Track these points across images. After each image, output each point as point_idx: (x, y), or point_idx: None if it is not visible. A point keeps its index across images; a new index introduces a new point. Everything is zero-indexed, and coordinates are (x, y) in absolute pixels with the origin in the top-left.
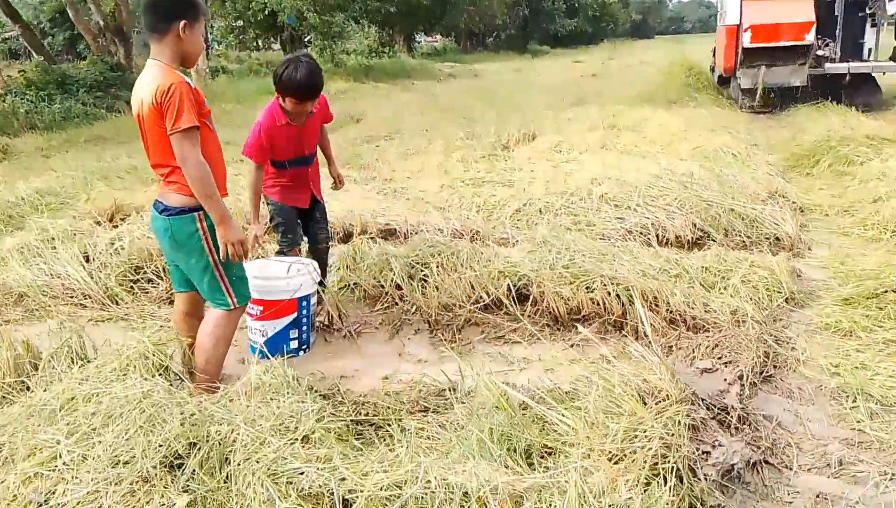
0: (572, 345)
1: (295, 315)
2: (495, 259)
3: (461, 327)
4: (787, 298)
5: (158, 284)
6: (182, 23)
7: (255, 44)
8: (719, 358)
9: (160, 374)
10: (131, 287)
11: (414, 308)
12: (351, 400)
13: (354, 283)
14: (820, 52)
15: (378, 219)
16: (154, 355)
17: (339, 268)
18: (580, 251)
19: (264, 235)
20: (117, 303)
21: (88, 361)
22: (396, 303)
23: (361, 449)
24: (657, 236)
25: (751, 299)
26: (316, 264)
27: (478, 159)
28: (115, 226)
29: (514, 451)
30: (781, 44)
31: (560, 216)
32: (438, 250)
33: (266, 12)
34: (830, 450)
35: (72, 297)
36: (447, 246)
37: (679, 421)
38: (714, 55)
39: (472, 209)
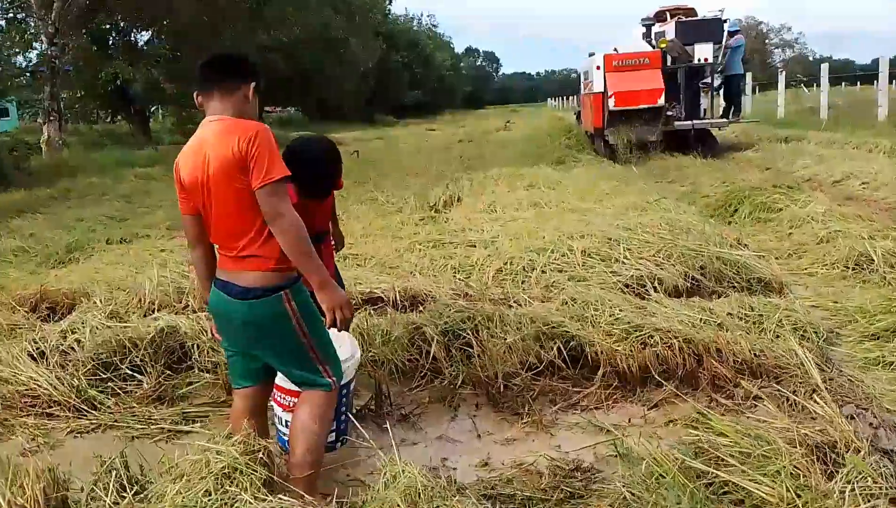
0: (655, 406)
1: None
2: (529, 321)
3: (523, 397)
4: (824, 338)
5: (140, 381)
6: (253, 84)
7: (95, 115)
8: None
9: (268, 493)
10: (107, 387)
11: (459, 381)
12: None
13: (386, 359)
14: (669, 113)
15: (357, 287)
16: (246, 467)
17: (362, 344)
18: (614, 305)
19: None
20: (97, 409)
21: (143, 487)
22: (437, 378)
23: None
24: (654, 288)
25: (800, 341)
26: (355, 342)
27: (417, 222)
28: (46, 318)
29: None
30: (640, 107)
31: (548, 273)
32: (468, 316)
33: (117, 83)
34: None
35: (33, 406)
36: (476, 311)
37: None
38: (578, 118)
39: (448, 271)
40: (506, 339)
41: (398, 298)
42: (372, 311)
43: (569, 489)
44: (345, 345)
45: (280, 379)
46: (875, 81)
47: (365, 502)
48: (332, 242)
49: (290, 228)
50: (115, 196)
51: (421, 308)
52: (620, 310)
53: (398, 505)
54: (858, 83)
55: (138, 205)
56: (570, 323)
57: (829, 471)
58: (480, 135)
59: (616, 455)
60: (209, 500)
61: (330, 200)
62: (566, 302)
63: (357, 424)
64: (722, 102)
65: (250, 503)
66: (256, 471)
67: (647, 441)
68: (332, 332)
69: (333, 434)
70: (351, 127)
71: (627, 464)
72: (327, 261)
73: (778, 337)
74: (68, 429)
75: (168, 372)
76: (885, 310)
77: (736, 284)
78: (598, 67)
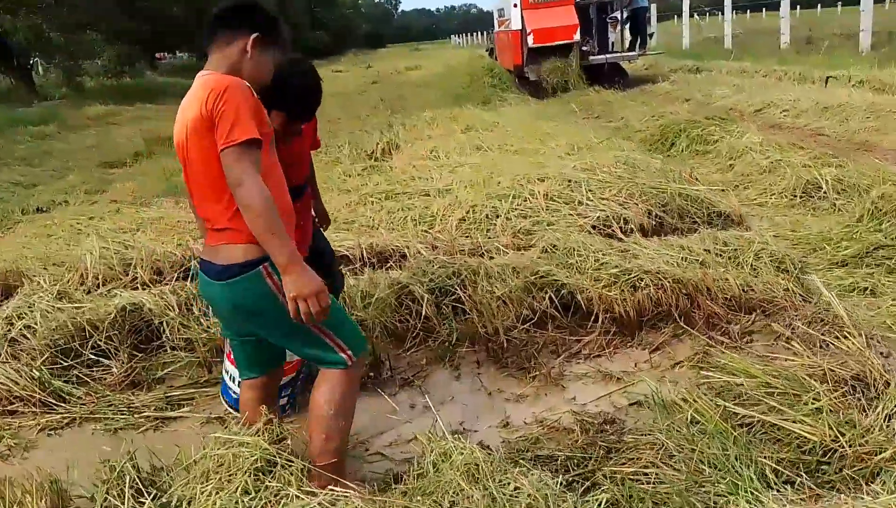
0: (656, 349)
1: (294, 375)
2: (513, 271)
3: (526, 350)
4: (801, 269)
5: (107, 366)
6: (253, 36)
7: None
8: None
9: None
10: (72, 376)
11: (454, 339)
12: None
13: (374, 322)
14: (584, 48)
15: None
16: (279, 457)
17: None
18: (597, 250)
19: None
20: (66, 401)
21: (161, 490)
22: (430, 337)
23: None
24: (620, 229)
25: (779, 273)
26: None
27: (360, 172)
28: None
29: (778, 475)
30: (557, 43)
31: (513, 220)
32: (453, 271)
33: None
34: None
35: None
36: (461, 265)
37: None
38: (492, 55)
39: (409, 223)
40: (495, 293)
41: (365, 255)
42: (345, 272)
43: (605, 444)
44: None
45: None
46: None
47: (421, 485)
48: (315, 215)
49: (253, 199)
50: (14, 160)
51: (391, 264)
52: (604, 255)
53: (460, 486)
54: (764, 10)
55: (43, 168)
56: (558, 272)
57: (861, 405)
58: (392, 75)
59: (635, 404)
60: (250, 500)
61: (301, 150)
62: (546, 250)
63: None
64: (628, 35)
65: (299, 497)
66: (293, 462)
67: (668, 385)
68: None
69: (286, 399)
70: None
71: (661, 413)
72: (305, 220)
73: (756, 270)
74: (38, 427)
75: (138, 353)
76: (848, 237)
77: (698, 219)
78: (514, 5)
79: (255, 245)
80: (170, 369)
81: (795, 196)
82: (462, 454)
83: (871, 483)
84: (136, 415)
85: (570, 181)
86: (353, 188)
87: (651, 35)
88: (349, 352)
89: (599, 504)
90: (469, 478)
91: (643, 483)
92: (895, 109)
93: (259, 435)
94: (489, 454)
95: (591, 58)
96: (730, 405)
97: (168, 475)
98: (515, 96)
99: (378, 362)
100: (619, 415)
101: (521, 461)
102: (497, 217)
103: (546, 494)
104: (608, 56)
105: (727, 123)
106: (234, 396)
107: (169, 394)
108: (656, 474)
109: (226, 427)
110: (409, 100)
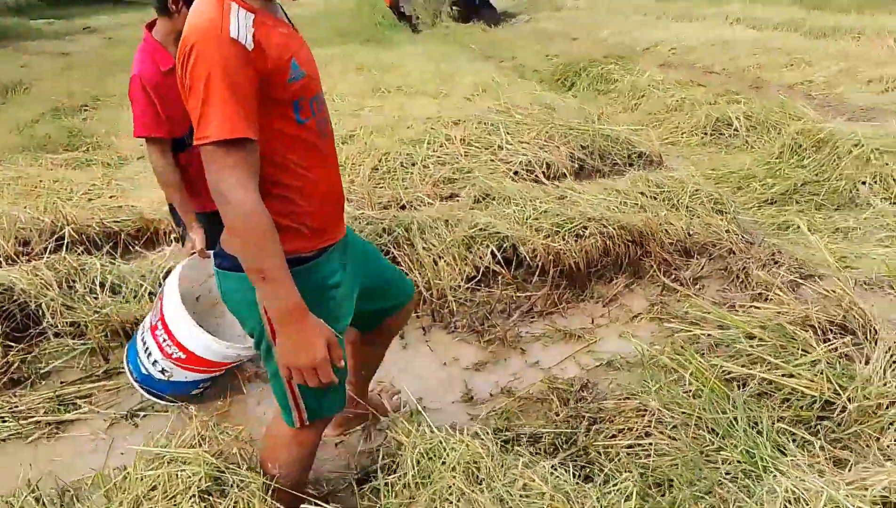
0: (611, 301)
1: (220, 373)
2: (447, 226)
3: (476, 312)
4: (734, 209)
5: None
6: None
7: None
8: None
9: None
10: None
11: None
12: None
13: None
14: None
15: None
16: (232, 473)
17: None
18: (533, 197)
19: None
20: None
21: None
22: None
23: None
24: (543, 173)
25: (717, 215)
26: None
27: None
28: None
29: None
30: None
31: (431, 168)
32: (383, 227)
33: None
34: None
35: None
36: (390, 221)
37: None
38: None
39: None
40: (433, 250)
41: None
42: None
43: (590, 414)
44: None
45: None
46: None
47: (413, 495)
48: None
49: (237, 220)
50: None
51: None
52: (542, 203)
53: (461, 490)
54: None
55: None
56: (496, 223)
57: (852, 354)
58: None
59: (603, 364)
60: None
61: None
62: (479, 200)
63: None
64: None
65: None
66: (249, 479)
67: (633, 341)
68: None
69: (200, 391)
70: (100, 8)
71: (648, 373)
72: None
73: (692, 212)
74: None
75: (14, 345)
76: (773, 175)
77: (619, 161)
78: None
79: None
80: (58, 361)
81: (706, 133)
82: (455, 449)
83: (881, 438)
84: (21, 421)
85: (486, 124)
86: None
87: None
88: (304, 416)
89: (625, 496)
90: (470, 479)
91: (642, 458)
92: (778, 45)
93: (200, 446)
94: (484, 444)
95: None
96: (726, 363)
97: (81, 504)
98: (406, 36)
99: None
100: (591, 378)
101: (516, 447)
102: (413, 165)
103: (567, 491)
104: None
105: (626, 62)
106: (144, 373)
107: (60, 392)
108: (655, 445)
109: (155, 441)
110: None
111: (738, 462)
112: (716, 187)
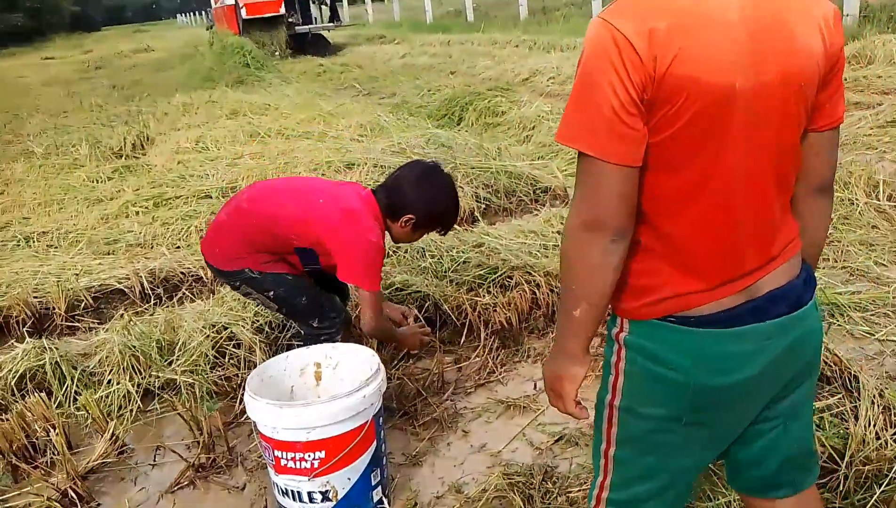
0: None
1: (374, 444)
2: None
3: (404, 388)
4: None
5: None
6: None
7: None
8: None
9: None
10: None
11: None
12: None
13: (188, 385)
14: (290, 20)
15: (81, 282)
16: None
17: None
18: (450, 247)
19: None
20: None
21: None
22: None
23: None
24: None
25: None
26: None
27: (111, 176)
28: None
29: None
30: (266, 15)
31: None
32: None
33: None
34: None
35: None
36: None
37: None
38: (210, 30)
39: (194, 235)
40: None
41: (146, 287)
42: (125, 313)
43: None
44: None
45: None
46: None
47: None
48: None
49: None
50: None
51: (184, 292)
52: (460, 253)
53: None
54: None
55: None
56: (413, 279)
57: (836, 406)
58: (118, 59)
59: (559, 440)
60: None
61: None
62: (389, 254)
63: None
64: (328, 11)
65: None
66: None
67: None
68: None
69: (379, 489)
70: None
71: None
72: None
73: None
74: None
75: None
76: None
77: (524, 198)
78: None
79: None
80: None
81: None
82: None
83: None
84: None
85: (383, 166)
86: (107, 196)
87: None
88: None
89: None
90: None
91: None
92: None
93: None
94: None
95: (297, 28)
96: None
97: None
98: (276, 76)
99: (208, 444)
100: (550, 462)
101: None
102: None
103: None
104: (312, 26)
105: (510, 94)
106: None
107: None
108: None
109: None
110: (149, 85)
111: None
112: None
